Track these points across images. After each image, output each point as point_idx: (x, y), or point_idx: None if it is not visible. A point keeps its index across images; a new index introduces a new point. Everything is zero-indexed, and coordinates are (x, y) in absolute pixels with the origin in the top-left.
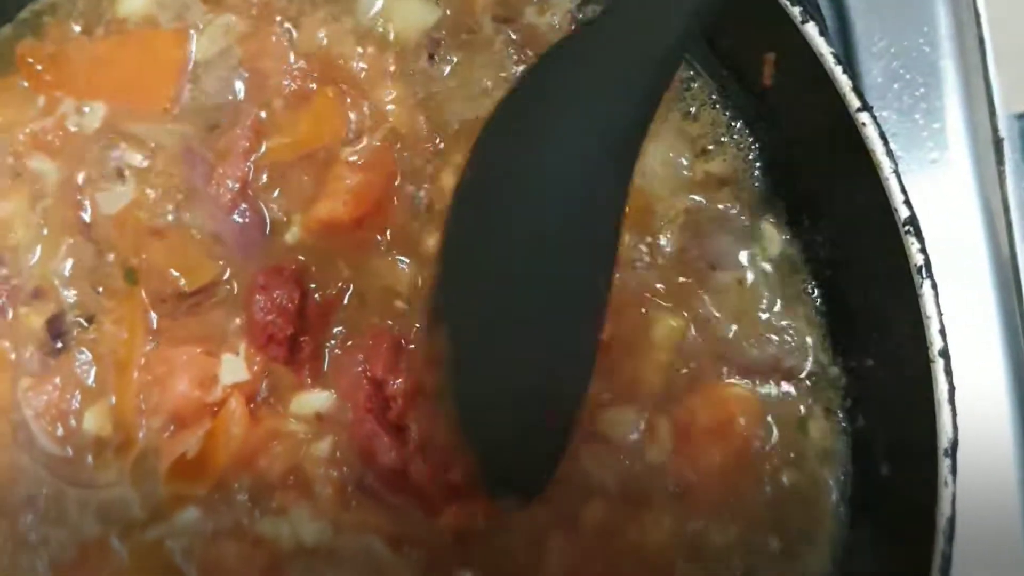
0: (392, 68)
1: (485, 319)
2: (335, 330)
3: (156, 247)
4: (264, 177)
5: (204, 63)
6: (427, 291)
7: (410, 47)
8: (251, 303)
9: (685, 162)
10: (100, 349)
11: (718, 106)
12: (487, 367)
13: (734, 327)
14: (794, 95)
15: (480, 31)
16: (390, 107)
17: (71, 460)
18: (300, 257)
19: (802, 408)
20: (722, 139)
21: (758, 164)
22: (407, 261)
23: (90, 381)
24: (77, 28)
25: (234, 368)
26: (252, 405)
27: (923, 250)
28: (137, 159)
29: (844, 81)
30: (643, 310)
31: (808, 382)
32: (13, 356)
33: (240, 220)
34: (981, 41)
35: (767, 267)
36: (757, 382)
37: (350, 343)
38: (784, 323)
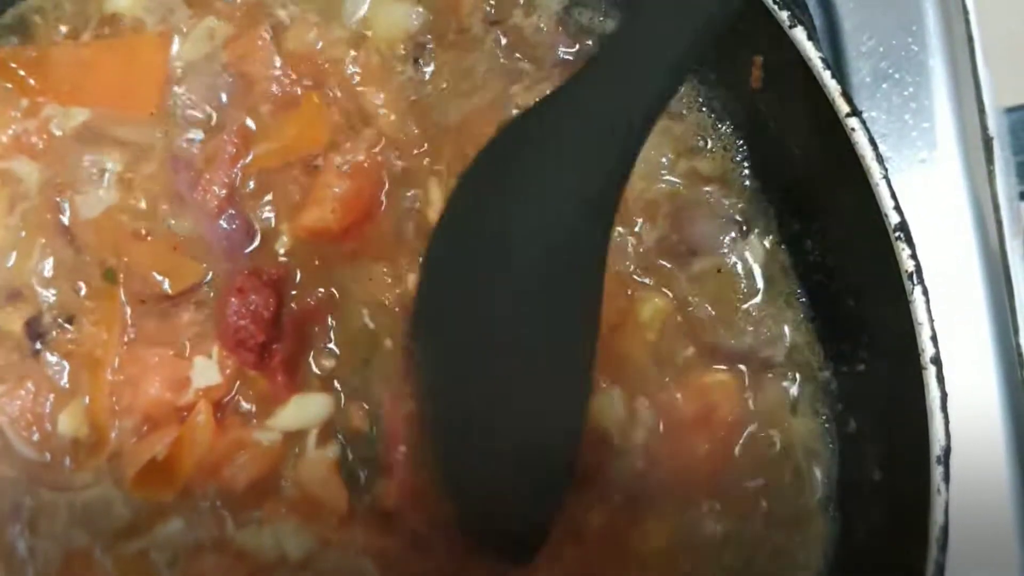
0: (379, 73)
1: (461, 374)
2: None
3: (139, 249)
4: (251, 183)
5: (189, 67)
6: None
7: (396, 51)
8: (225, 306)
9: (667, 161)
10: (78, 349)
11: (704, 109)
12: (465, 424)
13: (712, 313)
14: (783, 99)
15: (467, 34)
16: (378, 112)
17: (49, 465)
18: (284, 264)
19: (788, 404)
20: (709, 141)
21: (746, 166)
22: (392, 272)
23: (64, 382)
24: (63, 31)
25: (206, 371)
26: (219, 414)
27: (914, 256)
28: (121, 163)
29: (833, 86)
30: (629, 291)
31: (795, 379)
32: None
33: (226, 226)
34: (970, 39)
35: (749, 261)
36: (738, 369)
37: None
38: (762, 314)
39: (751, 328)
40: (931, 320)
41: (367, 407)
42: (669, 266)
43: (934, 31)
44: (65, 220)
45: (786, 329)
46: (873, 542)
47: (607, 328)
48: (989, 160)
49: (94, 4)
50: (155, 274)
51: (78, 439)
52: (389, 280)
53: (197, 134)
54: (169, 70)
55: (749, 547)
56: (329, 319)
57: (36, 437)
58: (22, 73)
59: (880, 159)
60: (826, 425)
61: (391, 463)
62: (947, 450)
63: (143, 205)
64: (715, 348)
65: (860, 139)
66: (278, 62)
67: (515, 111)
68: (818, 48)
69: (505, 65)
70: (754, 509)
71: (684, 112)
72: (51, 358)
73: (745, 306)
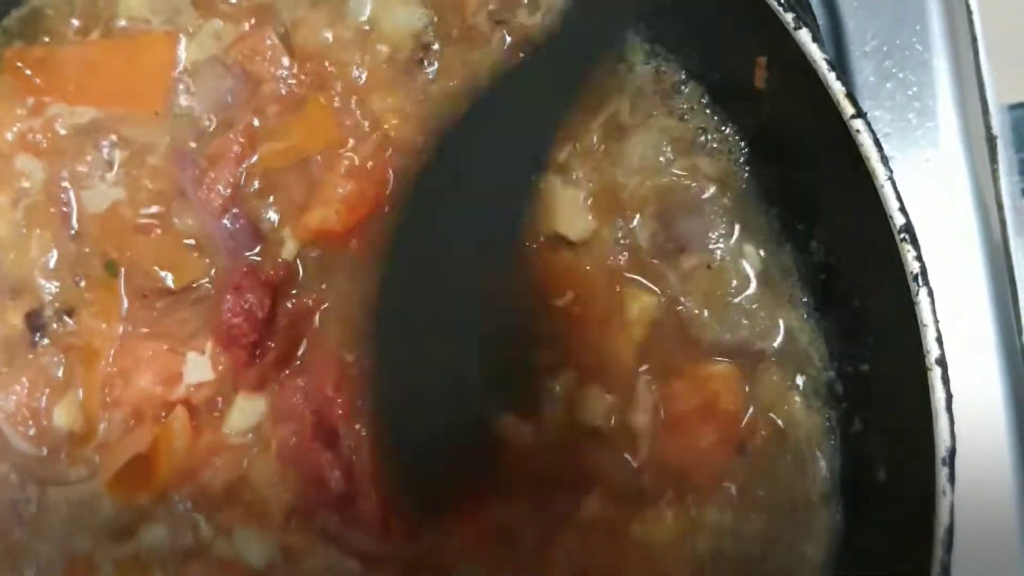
0: (385, 73)
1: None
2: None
3: (142, 244)
4: (256, 183)
5: (195, 68)
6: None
7: (401, 51)
8: (221, 302)
9: (664, 160)
10: (76, 342)
11: (708, 110)
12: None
13: (704, 309)
14: (787, 100)
15: (473, 33)
16: (384, 113)
17: (45, 459)
18: (285, 263)
19: (792, 402)
20: (712, 142)
21: (748, 168)
22: None
23: (60, 375)
24: (71, 30)
25: (199, 367)
26: (195, 423)
27: (919, 257)
28: (125, 160)
29: (838, 88)
30: (617, 288)
31: (799, 379)
32: None
33: (230, 225)
34: (973, 38)
35: (742, 258)
36: (735, 362)
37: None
38: (755, 306)
39: (745, 321)
40: (936, 321)
41: None
42: (659, 263)
43: (937, 30)
44: (71, 214)
45: (780, 324)
46: (878, 541)
47: (595, 323)
48: (993, 159)
49: (103, 2)
50: (158, 269)
51: (74, 432)
52: None
53: (202, 133)
54: (175, 70)
55: (754, 539)
56: (316, 319)
57: (32, 432)
58: (28, 72)
59: (885, 160)
60: (831, 424)
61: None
62: (952, 451)
63: (147, 200)
64: (708, 343)
65: (865, 140)
66: (286, 62)
67: None
68: (823, 50)
69: (513, 63)
70: (758, 501)
71: (687, 113)
72: (49, 351)
73: (737, 300)
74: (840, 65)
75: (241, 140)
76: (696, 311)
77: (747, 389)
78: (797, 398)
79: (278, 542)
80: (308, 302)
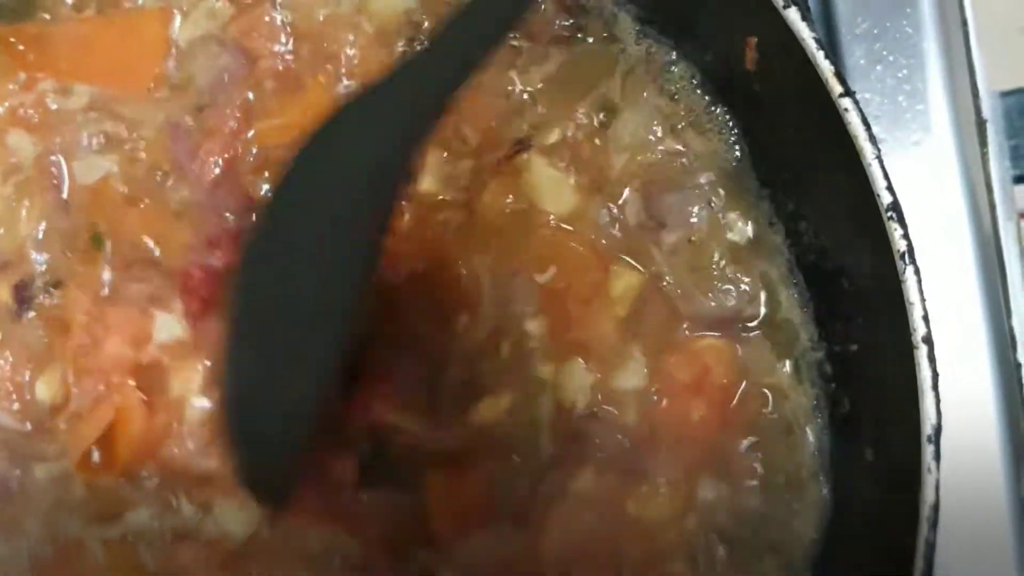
0: (376, 53)
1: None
2: None
3: (132, 215)
4: (251, 158)
5: (190, 44)
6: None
7: (392, 31)
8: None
9: (653, 139)
10: (60, 314)
11: (699, 90)
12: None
13: (692, 285)
14: (776, 79)
15: None
16: None
17: (30, 434)
18: None
19: (781, 383)
20: (704, 120)
21: (738, 147)
22: None
23: (42, 347)
24: (66, 7)
25: (169, 325)
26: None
27: (906, 236)
28: (118, 133)
29: (826, 67)
30: (603, 264)
31: (789, 358)
32: None
33: (224, 197)
34: (964, 23)
35: (728, 231)
36: (726, 337)
37: None
38: (743, 285)
39: (733, 298)
40: (923, 300)
41: None
42: (644, 239)
43: (928, 14)
44: (62, 186)
45: (769, 303)
46: (865, 518)
47: (578, 301)
48: (983, 143)
49: None
50: (147, 239)
51: (56, 405)
52: None
53: (198, 109)
54: (169, 46)
55: (747, 515)
56: None
57: (16, 407)
58: (21, 48)
59: (873, 139)
60: (820, 403)
61: None
62: (938, 429)
63: (140, 172)
64: (696, 317)
65: (853, 119)
66: (284, 38)
67: (511, 88)
68: (812, 29)
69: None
70: (751, 478)
71: (678, 92)
72: (34, 323)
73: (724, 276)
74: (830, 47)
75: (237, 115)
76: (681, 287)
77: (738, 364)
78: (787, 377)
79: (257, 510)
80: None
